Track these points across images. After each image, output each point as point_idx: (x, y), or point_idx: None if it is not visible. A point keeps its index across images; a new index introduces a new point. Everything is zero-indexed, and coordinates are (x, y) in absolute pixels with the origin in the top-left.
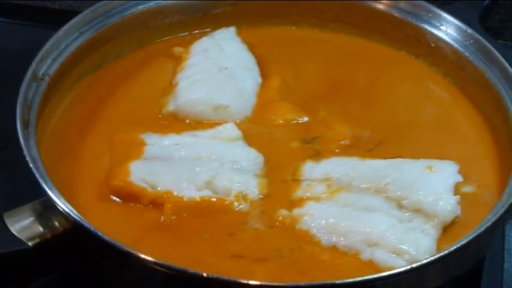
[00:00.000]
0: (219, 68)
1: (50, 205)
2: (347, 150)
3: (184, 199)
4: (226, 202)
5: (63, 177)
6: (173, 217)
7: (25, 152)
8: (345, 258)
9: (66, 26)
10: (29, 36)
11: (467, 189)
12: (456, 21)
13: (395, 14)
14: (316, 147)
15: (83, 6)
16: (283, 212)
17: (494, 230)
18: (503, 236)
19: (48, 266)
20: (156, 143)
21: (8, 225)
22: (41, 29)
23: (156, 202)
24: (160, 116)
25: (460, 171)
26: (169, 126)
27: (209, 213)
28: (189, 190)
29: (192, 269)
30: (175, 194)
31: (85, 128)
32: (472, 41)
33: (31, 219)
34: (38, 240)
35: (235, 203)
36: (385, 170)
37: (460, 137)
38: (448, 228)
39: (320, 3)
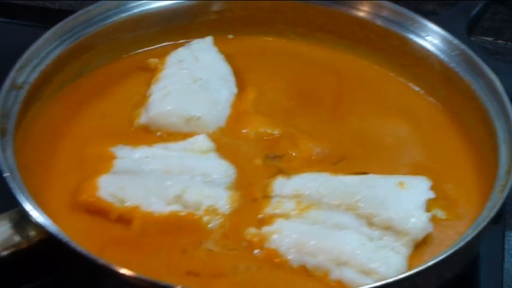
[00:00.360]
0: (193, 79)
1: (26, 215)
2: (310, 166)
3: (153, 214)
4: (196, 217)
5: (36, 187)
6: (140, 234)
7: (1, 161)
8: (313, 279)
9: (47, 34)
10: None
11: (439, 209)
12: (442, 32)
13: (381, 24)
14: (278, 165)
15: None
16: (252, 230)
17: (469, 248)
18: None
19: (24, 276)
20: (127, 156)
21: None
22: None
23: (124, 217)
24: (132, 129)
25: (434, 188)
26: (141, 139)
27: (178, 229)
28: (158, 205)
29: (164, 281)
30: (143, 209)
31: (59, 138)
32: (458, 52)
33: (6, 228)
34: (12, 249)
35: (205, 218)
36: (356, 187)
37: (438, 153)
38: (420, 245)
39: (306, 12)
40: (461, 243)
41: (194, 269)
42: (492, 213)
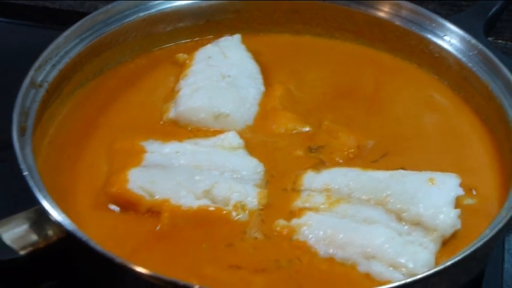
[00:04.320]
0: (222, 76)
1: (44, 214)
2: (352, 161)
3: (182, 208)
4: (224, 212)
5: (60, 186)
6: (169, 227)
7: (20, 159)
8: (342, 270)
9: (66, 33)
10: (29, 36)
11: (468, 201)
12: (460, 31)
13: (399, 24)
14: (320, 157)
15: (83, 5)
16: (282, 222)
17: (493, 243)
18: (503, 236)
19: (41, 275)
20: (157, 150)
21: (1, 233)
22: (41, 29)
23: (154, 210)
24: (161, 123)
25: (461, 184)
26: (170, 134)
27: (207, 223)
28: (187, 199)
29: (183, 281)
30: (173, 202)
31: (84, 136)
32: (475, 52)
33: (24, 227)
34: (30, 249)
35: (234, 213)
36: (386, 182)
37: (463, 148)
38: (447, 241)
39: (324, 12)
40: (480, 243)
41: (237, 262)
42: (510, 214)
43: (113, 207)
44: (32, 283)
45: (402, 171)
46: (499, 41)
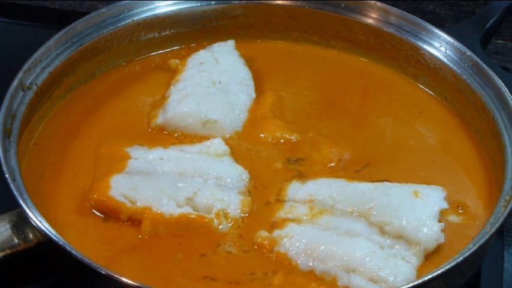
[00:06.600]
0: (212, 82)
1: (25, 217)
2: (333, 172)
3: (164, 216)
4: (206, 220)
5: (44, 190)
6: (146, 237)
7: (2, 162)
8: (321, 284)
9: (57, 35)
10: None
11: (453, 218)
12: (455, 43)
13: (396, 34)
14: (299, 169)
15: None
16: (263, 233)
17: (477, 258)
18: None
19: (22, 278)
20: (141, 156)
21: None
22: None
23: (135, 218)
24: (149, 129)
25: (447, 198)
26: (157, 140)
27: (188, 231)
28: (168, 206)
29: None
30: (154, 210)
31: (71, 140)
32: (470, 63)
33: (5, 229)
34: (9, 251)
35: (215, 221)
36: (370, 194)
37: (451, 163)
38: (431, 256)
39: (320, 20)
40: (460, 258)
41: (212, 274)
42: (493, 230)
43: (96, 213)
44: (11, 286)
45: (387, 183)
46: (499, 41)
